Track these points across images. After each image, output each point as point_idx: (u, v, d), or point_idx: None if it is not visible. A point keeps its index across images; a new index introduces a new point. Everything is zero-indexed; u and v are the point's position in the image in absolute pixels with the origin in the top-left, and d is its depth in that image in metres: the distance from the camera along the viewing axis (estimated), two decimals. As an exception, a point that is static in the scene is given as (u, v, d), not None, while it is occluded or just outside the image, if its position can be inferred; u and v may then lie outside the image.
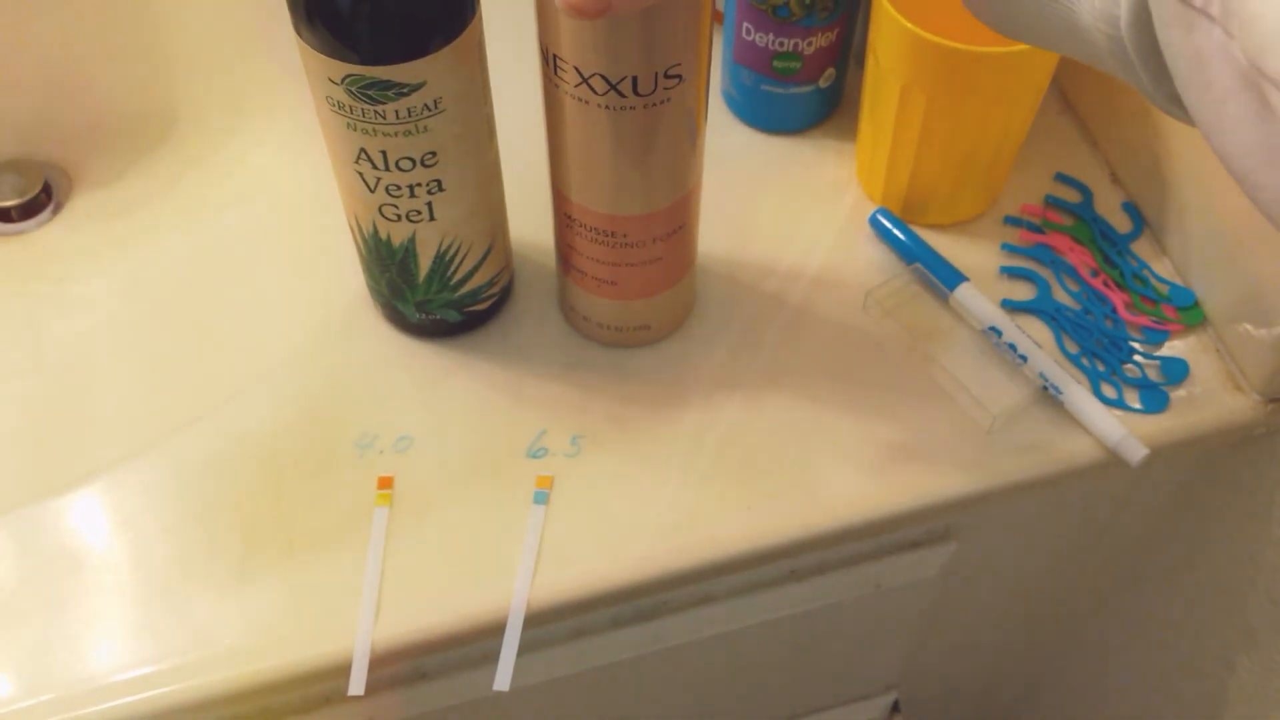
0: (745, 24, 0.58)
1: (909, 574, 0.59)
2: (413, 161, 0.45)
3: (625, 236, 0.48)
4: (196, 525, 0.49)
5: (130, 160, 0.66)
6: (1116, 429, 0.51)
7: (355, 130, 0.44)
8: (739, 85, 0.62)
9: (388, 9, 0.40)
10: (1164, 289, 0.56)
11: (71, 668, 0.46)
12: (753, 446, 0.51)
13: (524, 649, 0.47)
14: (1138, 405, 0.53)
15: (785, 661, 0.68)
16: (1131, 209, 0.60)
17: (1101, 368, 0.54)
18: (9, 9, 0.62)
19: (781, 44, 0.58)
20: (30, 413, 0.55)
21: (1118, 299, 0.56)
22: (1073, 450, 0.51)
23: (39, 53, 0.64)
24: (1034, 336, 0.54)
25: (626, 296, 0.52)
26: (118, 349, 0.57)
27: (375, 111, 0.43)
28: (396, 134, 0.44)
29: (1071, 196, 0.60)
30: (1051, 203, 0.60)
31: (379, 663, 0.46)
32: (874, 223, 0.59)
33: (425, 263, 0.50)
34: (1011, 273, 0.57)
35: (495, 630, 0.47)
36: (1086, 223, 0.59)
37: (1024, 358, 0.53)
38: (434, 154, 0.45)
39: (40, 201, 0.64)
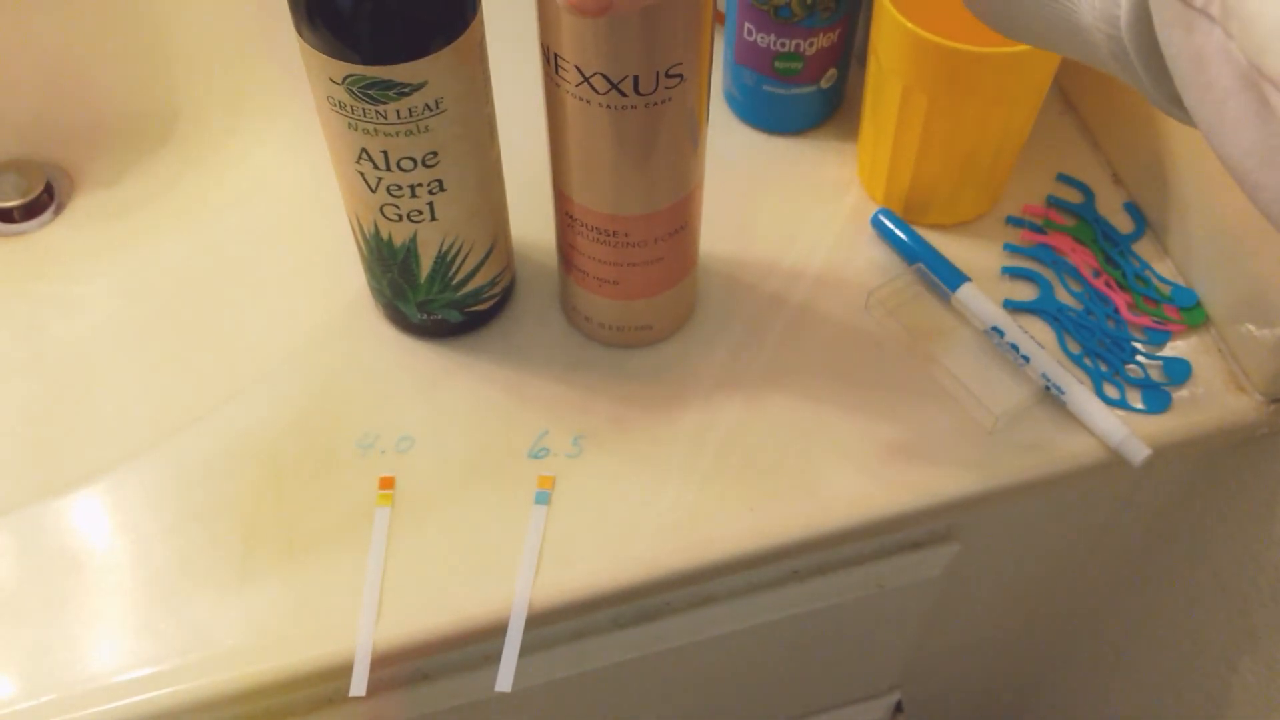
0: (747, 24, 0.58)
1: (911, 574, 0.59)
2: (414, 161, 0.45)
3: (627, 236, 0.48)
4: (197, 525, 0.49)
5: (132, 160, 0.66)
6: (1119, 429, 0.51)
7: (356, 130, 0.44)
8: (740, 86, 0.62)
9: (389, 9, 0.40)
10: (1166, 289, 0.56)
11: (72, 668, 0.46)
12: (754, 447, 0.51)
13: (526, 650, 0.47)
14: (1140, 405, 0.53)
15: (787, 662, 0.68)
16: (1133, 209, 0.59)
17: (1104, 368, 0.54)
18: (10, 9, 0.62)
19: (783, 44, 0.58)
20: (31, 413, 0.55)
21: (1120, 299, 0.56)
22: (1075, 450, 0.51)
23: (40, 53, 0.64)
24: (1036, 337, 0.54)
25: (628, 296, 0.52)
26: (119, 349, 0.57)
27: (376, 111, 0.43)
28: (398, 134, 0.44)
29: (1073, 197, 0.60)
30: (1053, 203, 0.60)
31: (380, 663, 0.46)
32: (876, 223, 0.59)
33: (427, 263, 0.50)
34: (1013, 273, 0.57)
35: (497, 631, 0.47)
36: (1088, 223, 0.59)
37: (1026, 358, 0.53)
38: (435, 154, 0.45)
39: (42, 202, 0.64)
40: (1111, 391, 0.53)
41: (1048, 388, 0.52)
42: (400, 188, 0.46)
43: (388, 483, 0.50)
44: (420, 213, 0.47)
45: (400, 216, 0.47)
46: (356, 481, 0.50)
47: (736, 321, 0.55)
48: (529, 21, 0.43)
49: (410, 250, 0.49)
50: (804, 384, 0.53)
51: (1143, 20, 0.30)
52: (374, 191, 0.46)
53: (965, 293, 0.55)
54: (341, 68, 0.41)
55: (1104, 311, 0.56)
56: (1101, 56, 0.33)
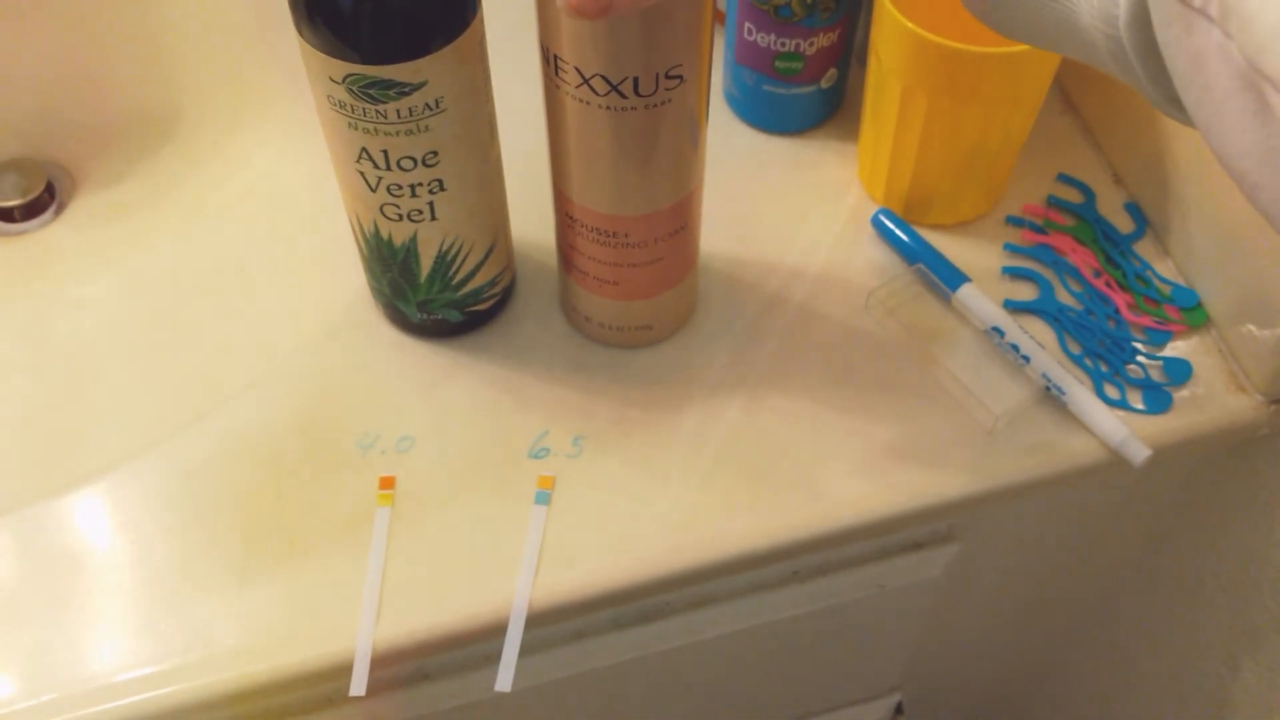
0: (747, 24, 0.58)
1: (912, 575, 0.59)
2: (414, 161, 0.45)
3: (627, 237, 0.48)
4: (198, 525, 0.49)
5: (133, 160, 0.66)
6: (1119, 429, 0.51)
7: (356, 129, 0.44)
8: (741, 85, 0.62)
9: (389, 8, 0.40)
10: (1166, 289, 0.56)
11: (72, 668, 0.46)
12: (755, 447, 0.51)
13: (526, 650, 0.47)
14: (1140, 406, 0.53)
15: (788, 663, 0.67)
16: (1134, 209, 0.59)
17: (1104, 368, 0.54)
18: (11, 9, 0.62)
19: (783, 44, 0.58)
20: (31, 413, 0.55)
21: (1120, 299, 0.56)
22: (1075, 451, 0.51)
23: (42, 53, 0.64)
24: (1036, 337, 0.54)
25: (628, 297, 0.52)
26: (119, 349, 0.57)
27: (376, 111, 0.43)
28: (398, 133, 0.44)
29: (1074, 197, 0.60)
30: (1054, 203, 0.60)
31: (380, 663, 0.46)
32: (876, 223, 0.59)
33: (427, 262, 0.50)
34: (1014, 273, 0.57)
35: (497, 631, 0.47)
36: (1089, 223, 0.59)
37: (1026, 358, 0.53)
38: (435, 153, 0.45)
39: (43, 201, 0.64)
40: (1112, 392, 0.53)
41: (1048, 388, 0.52)
42: (400, 187, 0.46)
43: (388, 483, 0.50)
44: (420, 212, 0.47)
45: (400, 216, 0.47)
46: (356, 481, 0.50)
47: (737, 322, 0.55)
48: (529, 22, 0.43)
49: (410, 250, 0.49)
50: (804, 384, 0.53)
51: (1141, 20, 0.30)
52: (374, 191, 0.46)
53: (965, 293, 0.55)
54: (341, 67, 0.41)
55: (1104, 312, 0.55)
56: (1101, 56, 0.33)
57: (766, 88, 0.61)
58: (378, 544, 0.48)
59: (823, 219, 0.60)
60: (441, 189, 0.47)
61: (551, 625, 0.49)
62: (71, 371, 0.56)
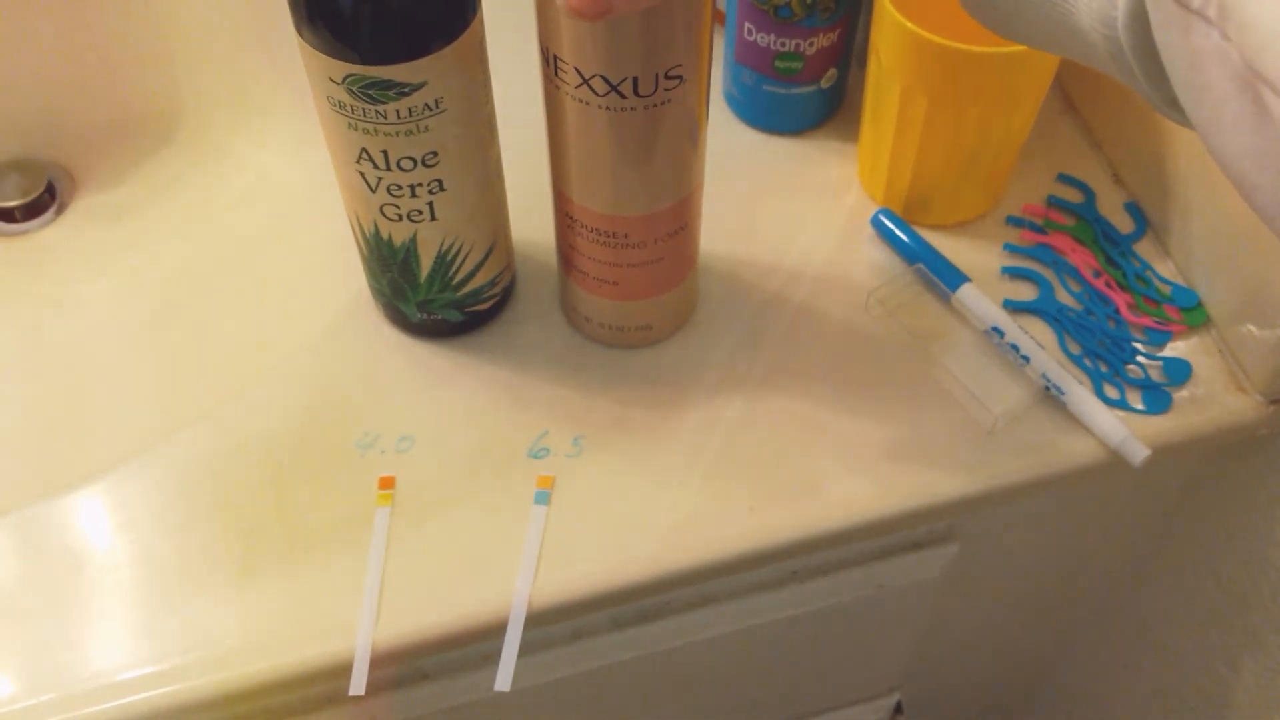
0: (747, 24, 0.58)
1: (911, 575, 0.59)
2: (414, 161, 0.45)
3: (627, 237, 0.48)
4: (198, 525, 0.49)
5: (133, 161, 0.66)
6: (1119, 429, 0.51)
7: (356, 130, 0.44)
8: (740, 86, 0.62)
9: (389, 9, 0.41)
10: (1166, 290, 0.56)
11: (72, 667, 0.46)
12: (754, 447, 0.51)
13: (525, 650, 0.47)
14: (1140, 406, 0.53)
15: (787, 663, 0.68)
16: (1134, 209, 0.59)
17: (1104, 368, 0.54)
18: (12, 9, 0.62)
19: (783, 44, 0.58)
20: (32, 413, 0.55)
21: (1120, 300, 0.56)
22: (1075, 451, 0.51)
23: (43, 53, 0.64)
24: (1036, 337, 0.54)
25: (628, 297, 0.52)
26: (120, 349, 0.57)
27: (376, 111, 0.43)
28: (397, 134, 0.44)
29: (1074, 197, 0.60)
30: (1054, 203, 0.60)
31: (380, 663, 0.46)
32: (876, 223, 0.59)
33: (427, 263, 0.50)
34: (1013, 273, 0.57)
35: (496, 631, 0.47)
36: (1089, 223, 0.59)
37: (1026, 358, 0.53)
38: (435, 154, 0.45)
39: (44, 202, 0.64)
40: (1111, 392, 0.53)
41: (1048, 388, 0.52)
42: (400, 187, 0.46)
43: (388, 483, 0.50)
44: (420, 212, 0.47)
45: (400, 216, 0.47)
46: (356, 481, 0.50)
47: (736, 322, 0.55)
48: (529, 22, 0.43)
49: (410, 250, 0.49)
50: (804, 384, 0.53)
51: (1139, 21, 0.30)
52: (374, 191, 0.46)
53: (965, 293, 0.55)
54: (341, 68, 0.41)
55: (1104, 312, 0.55)
56: (1099, 58, 0.33)
57: (766, 88, 0.61)
58: (377, 544, 0.48)
59: (822, 219, 0.60)
60: (441, 189, 0.47)
61: (551, 625, 0.49)
62: (71, 371, 0.56)
